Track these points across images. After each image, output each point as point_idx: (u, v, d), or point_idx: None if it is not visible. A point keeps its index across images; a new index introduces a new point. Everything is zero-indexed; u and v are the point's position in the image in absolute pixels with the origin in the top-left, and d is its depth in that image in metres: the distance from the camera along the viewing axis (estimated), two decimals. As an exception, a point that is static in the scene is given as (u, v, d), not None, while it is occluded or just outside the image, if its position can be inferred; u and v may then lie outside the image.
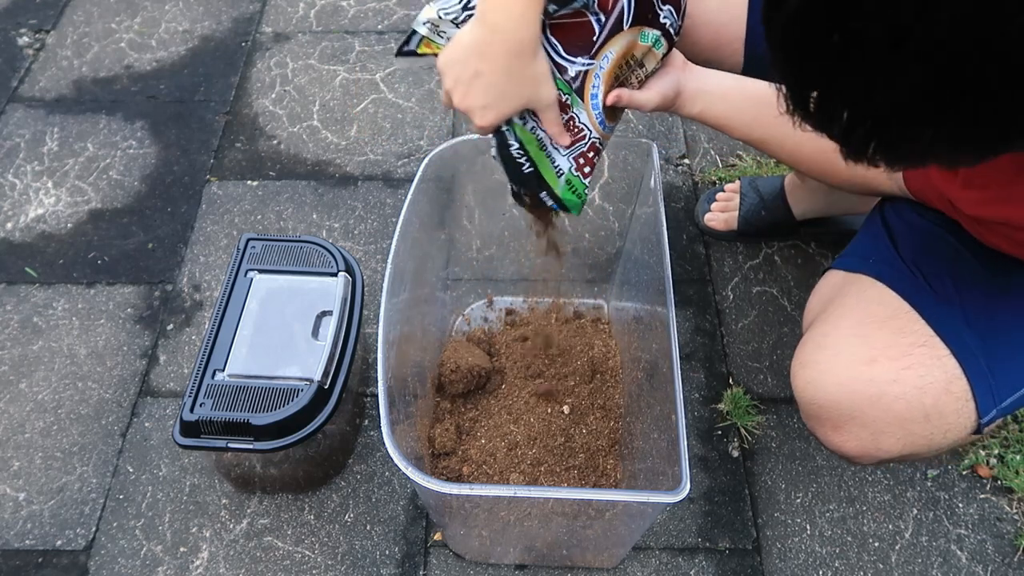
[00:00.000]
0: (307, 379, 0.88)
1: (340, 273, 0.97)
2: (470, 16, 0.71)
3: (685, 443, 0.72)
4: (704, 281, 1.23)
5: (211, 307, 1.20)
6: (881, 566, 0.97)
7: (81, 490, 1.03)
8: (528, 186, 0.79)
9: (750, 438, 1.07)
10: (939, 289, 0.75)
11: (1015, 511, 1.01)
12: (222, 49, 1.58)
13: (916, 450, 0.74)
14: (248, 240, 1.01)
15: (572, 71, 0.72)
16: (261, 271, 0.99)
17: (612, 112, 0.78)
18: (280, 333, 0.93)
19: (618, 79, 0.76)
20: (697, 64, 0.83)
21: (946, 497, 1.02)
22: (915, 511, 1.01)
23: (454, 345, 1.09)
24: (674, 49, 0.79)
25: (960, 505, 1.01)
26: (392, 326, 0.82)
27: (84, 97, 1.49)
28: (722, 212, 1.26)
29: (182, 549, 0.98)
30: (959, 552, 0.98)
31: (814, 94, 0.45)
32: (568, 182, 0.78)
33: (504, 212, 1.04)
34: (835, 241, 1.25)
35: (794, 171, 1.20)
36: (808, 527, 1.00)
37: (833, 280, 0.86)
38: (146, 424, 1.08)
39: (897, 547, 0.98)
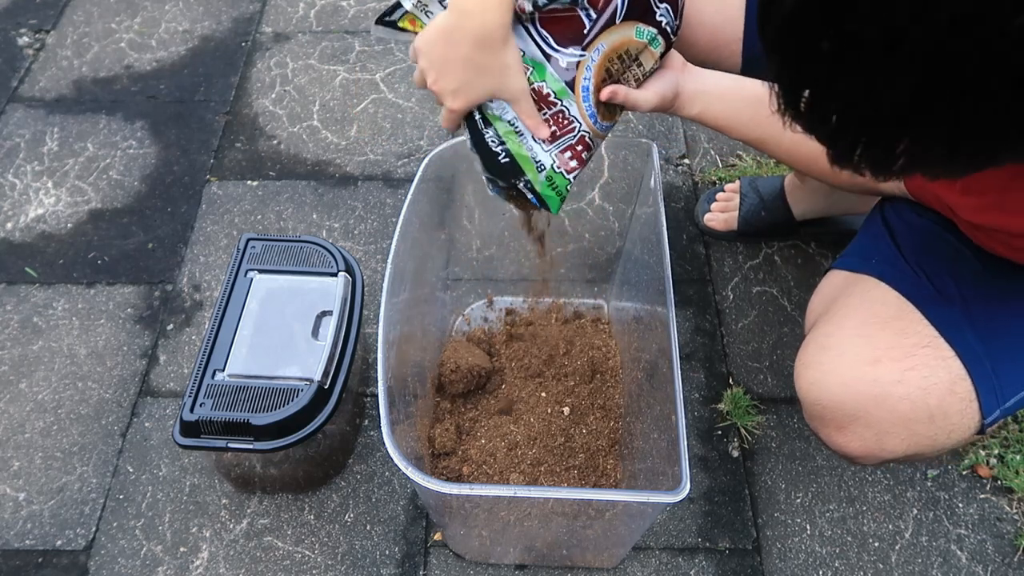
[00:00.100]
0: (307, 379, 0.88)
1: (340, 273, 0.97)
2: None
3: (685, 443, 0.72)
4: (704, 281, 1.23)
5: (211, 307, 1.20)
6: (881, 566, 0.97)
7: (81, 490, 1.03)
8: (504, 177, 0.77)
9: (750, 438, 1.07)
10: (942, 289, 0.75)
11: (1015, 511, 1.01)
12: (222, 49, 1.58)
13: (920, 451, 0.74)
14: (248, 240, 1.01)
15: (563, 62, 0.71)
16: (261, 271, 0.99)
17: (608, 110, 0.77)
18: (280, 333, 0.93)
19: (611, 74, 0.74)
20: (695, 65, 0.83)
21: (946, 497, 1.02)
22: (915, 511, 1.01)
23: (454, 345, 1.09)
24: (673, 50, 0.79)
25: (960, 505, 1.01)
26: (392, 326, 0.82)
27: (84, 97, 1.49)
28: (722, 212, 1.26)
29: (182, 549, 0.98)
30: (959, 552, 0.98)
31: (806, 94, 0.45)
32: (549, 178, 0.76)
33: (504, 212, 1.04)
34: (835, 241, 1.25)
35: (794, 171, 1.20)
36: (808, 527, 1.00)
37: (835, 280, 0.86)
38: (146, 424, 1.08)
39: (897, 547, 0.98)
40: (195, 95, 1.50)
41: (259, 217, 1.31)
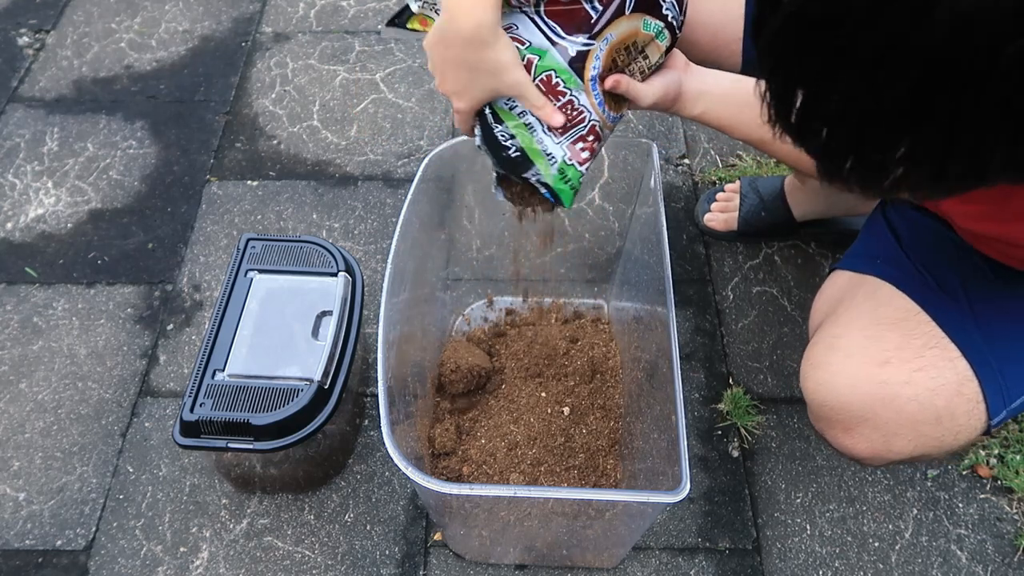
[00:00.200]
0: (307, 379, 0.88)
1: (340, 273, 0.97)
2: None
3: (685, 443, 0.72)
4: (704, 281, 1.23)
5: (211, 307, 1.20)
6: (881, 566, 0.97)
7: (81, 490, 1.03)
8: (515, 171, 0.76)
9: (750, 438, 1.07)
10: (948, 290, 0.75)
11: (1015, 511, 1.01)
12: (222, 49, 1.58)
13: (927, 452, 0.74)
14: (248, 240, 1.01)
15: (572, 50, 0.71)
16: (261, 271, 0.99)
17: (614, 100, 0.76)
18: (280, 333, 0.93)
19: (617, 64, 0.74)
20: (696, 64, 0.83)
21: (946, 497, 1.02)
22: (915, 511, 1.01)
23: (454, 345, 1.09)
24: (676, 50, 0.79)
25: (960, 505, 1.01)
26: (392, 326, 0.82)
27: (84, 97, 1.49)
28: (722, 212, 1.26)
29: (182, 549, 0.98)
30: (959, 552, 0.98)
31: (796, 108, 0.45)
32: (561, 171, 0.75)
33: (504, 212, 1.04)
34: (835, 241, 1.25)
35: (794, 172, 1.20)
36: (808, 527, 1.00)
37: (840, 281, 0.85)
38: (146, 424, 1.08)
39: (897, 547, 0.98)
40: (195, 95, 1.50)
41: (259, 217, 1.31)
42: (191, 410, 0.86)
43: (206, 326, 1.09)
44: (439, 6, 0.73)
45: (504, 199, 0.83)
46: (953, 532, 0.99)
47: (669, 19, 0.74)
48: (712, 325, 1.18)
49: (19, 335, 1.17)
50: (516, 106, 0.73)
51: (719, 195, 1.27)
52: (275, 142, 1.42)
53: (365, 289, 1.01)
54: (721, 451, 1.06)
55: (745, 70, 0.92)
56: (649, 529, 0.99)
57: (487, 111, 0.74)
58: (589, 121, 0.74)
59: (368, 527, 1.00)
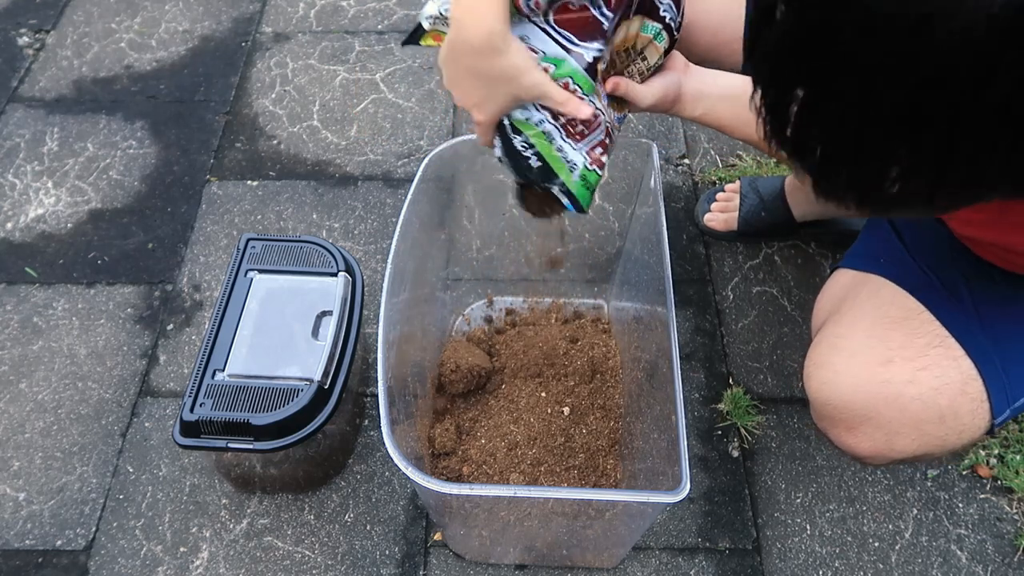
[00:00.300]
0: (307, 379, 0.88)
1: (340, 273, 0.97)
2: None
3: (685, 443, 0.72)
4: (704, 281, 1.23)
5: (211, 307, 1.20)
6: (881, 566, 0.97)
7: (81, 490, 1.03)
8: (537, 182, 0.76)
9: (750, 438, 1.07)
10: (951, 289, 0.75)
11: (1015, 511, 1.01)
12: (222, 49, 1.58)
13: (930, 451, 0.74)
14: (248, 240, 1.01)
15: (589, 56, 0.70)
16: (261, 271, 0.99)
17: (615, 102, 0.77)
18: (280, 333, 0.93)
19: (616, 66, 0.74)
20: (696, 64, 0.82)
21: (946, 497, 1.02)
22: (915, 511, 1.01)
23: (454, 345, 1.09)
24: (676, 52, 0.79)
25: (960, 505, 1.01)
26: (392, 326, 0.82)
27: (84, 97, 1.49)
28: (722, 212, 1.26)
29: (182, 549, 0.98)
30: (959, 552, 0.98)
31: (792, 119, 0.45)
32: (583, 177, 0.75)
33: (504, 212, 1.04)
34: (835, 241, 1.25)
35: (794, 172, 1.20)
36: (808, 527, 1.00)
37: (843, 280, 0.85)
38: (146, 424, 1.08)
39: (897, 547, 0.98)
40: (195, 95, 1.50)
41: (259, 217, 1.31)
42: (191, 410, 0.86)
43: (206, 326, 1.09)
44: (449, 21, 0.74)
45: (524, 210, 0.83)
46: (953, 532, 0.99)
47: (667, 21, 0.74)
48: (712, 325, 1.18)
49: (19, 335, 1.17)
50: (532, 116, 0.73)
51: (719, 195, 1.27)
52: (275, 142, 1.42)
53: (365, 289, 1.01)
54: (721, 451, 1.06)
55: (745, 69, 0.92)
56: (649, 529, 0.99)
57: (505, 122, 0.74)
58: (604, 124, 0.75)
59: (368, 527, 1.00)
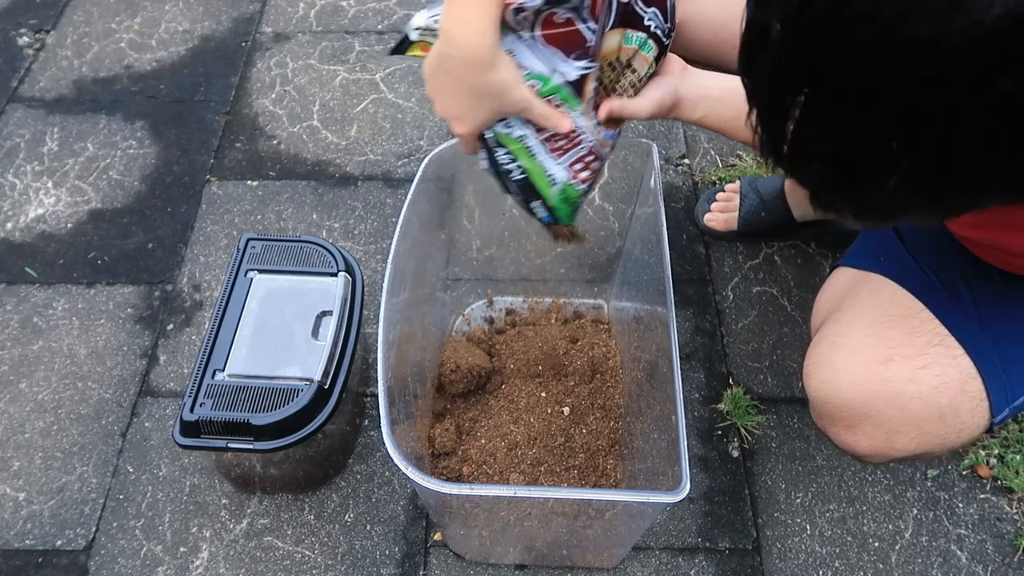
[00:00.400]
0: (307, 379, 0.88)
1: (340, 273, 0.97)
2: None
3: (685, 443, 0.72)
4: (704, 281, 1.23)
5: (211, 307, 1.20)
6: (881, 566, 0.97)
7: (81, 490, 1.03)
8: (518, 195, 0.78)
9: (750, 438, 1.07)
10: (951, 290, 0.76)
11: (1015, 511, 1.01)
12: (222, 49, 1.58)
13: (929, 449, 0.74)
14: (248, 240, 1.01)
15: (574, 75, 0.71)
16: (261, 271, 0.99)
17: (612, 120, 0.77)
18: (280, 333, 0.93)
19: (603, 83, 0.74)
20: (696, 63, 0.82)
21: (946, 497, 1.02)
22: (915, 511, 1.01)
23: (454, 345, 1.09)
24: (673, 55, 0.78)
25: (960, 505, 1.01)
26: (392, 326, 0.82)
27: (84, 97, 1.49)
28: (722, 212, 1.26)
29: (182, 549, 0.98)
30: (959, 552, 0.98)
31: (788, 137, 0.45)
32: (563, 192, 0.77)
33: (504, 212, 1.04)
34: (835, 241, 1.25)
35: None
36: (808, 527, 1.00)
37: (843, 278, 0.85)
38: (146, 424, 1.08)
39: (897, 547, 0.98)
40: (195, 95, 1.50)
41: (259, 217, 1.31)
42: (191, 410, 0.86)
43: (206, 326, 1.09)
44: (439, 34, 0.74)
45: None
46: (953, 532, 0.99)
47: (652, 29, 0.73)
48: (712, 325, 1.18)
49: (19, 335, 1.17)
50: (515, 130, 0.74)
51: (719, 195, 1.27)
52: (275, 142, 1.42)
53: (365, 289, 1.01)
54: (721, 451, 1.06)
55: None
56: (649, 529, 0.99)
57: (489, 135, 0.75)
58: (587, 143, 0.76)
59: (368, 527, 1.00)
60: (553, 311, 1.17)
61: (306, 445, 0.89)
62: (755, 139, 0.47)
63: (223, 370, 0.90)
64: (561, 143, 0.75)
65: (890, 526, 1.00)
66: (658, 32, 0.73)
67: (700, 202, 1.29)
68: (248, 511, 1.01)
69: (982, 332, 0.72)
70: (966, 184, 0.42)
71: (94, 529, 0.99)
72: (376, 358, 0.79)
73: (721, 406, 1.10)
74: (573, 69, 0.71)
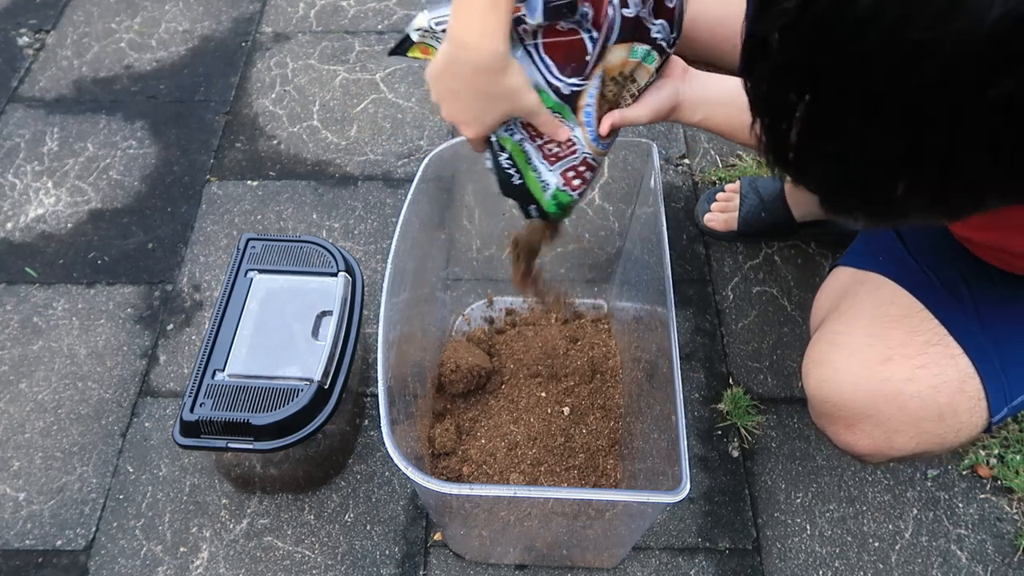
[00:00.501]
0: (307, 379, 0.88)
1: (340, 273, 0.97)
2: None
3: (685, 443, 0.72)
4: (704, 281, 1.23)
5: (211, 307, 1.20)
6: (881, 566, 0.97)
7: (81, 490, 1.03)
8: (517, 198, 0.79)
9: (750, 438, 1.07)
10: (951, 289, 0.76)
11: (1015, 511, 1.01)
12: (222, 49, 1.58)
13: (928, 449, 0.74)
14: (248, 240, 1.01)
15: (565, 90, 0.71)
16: (261, 271, 0.99)
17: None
18: (280, 333, 0.93)
19: (607, 98, 0.75)
20: (696, 62, 0.82)
21: (946, 497, 1.02)
22: (915, 511, 1.01)
23: (454, 345, 1.09)
24: (674, 56, 0.78)
25: (960, 505, 1.01)
26: (392, 326, 0.82)
27: (84, 97, 1.49)
28: (722, 212, 1.26)
29: (182, 549, 0.98)
30: (959, 552, 0.98)
31: (793, 144, 0.45)
32: (555, 197, 0.78)
33: (504, 212, 1.04)
34: (835, 241, 1.25)
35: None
36: (808, 527, 1.00)
37: (842, 277, 0.85)
38: (146, 424, 1.08)
39: (897, 547, 0.98)
40: (195, 95, 1.50)
41: (259, 217, 1.31)
42: (191, 410, 0.86)
43: (206, 326, 1.09)
44: (440, 35, 0.74)
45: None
46: (953, 532, 0.99)
47: (658, 41, 0.72)
48: (712, 325, 1.18)
49: (19, 335, 1.17)
50: (515, 133, 0.75)
51: (719, 195, 1.27)
52: (275, 142, 1.42)
53: (365, 289, 1.01)
54: (721, 451, 1.06)
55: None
56: (649, 529, 0.99)
57: (493, 139, 0.76)
58: (581, 153, 0.76)
59: (368, 527, 1.00)
60: (553, 311, 1.17)
61: (306, 445, 0.89)
62: (760, 146, 0.47)
63: (223, 370, 0.90)
64: (556, 151, 0.76)
65: (890, 526, 1.00)
66: (663, 43, 0.73)
67: (700, 202, 1.29)
68: (248, 511, 1.01)
69: (981, 332, 0.73)
70: (970, 185, 0.42)
71: (94, 529, 0.99)
72: (376, 358, 0.79)
73: (721, 406, 1.10)
74: (565, 85, 0.71)
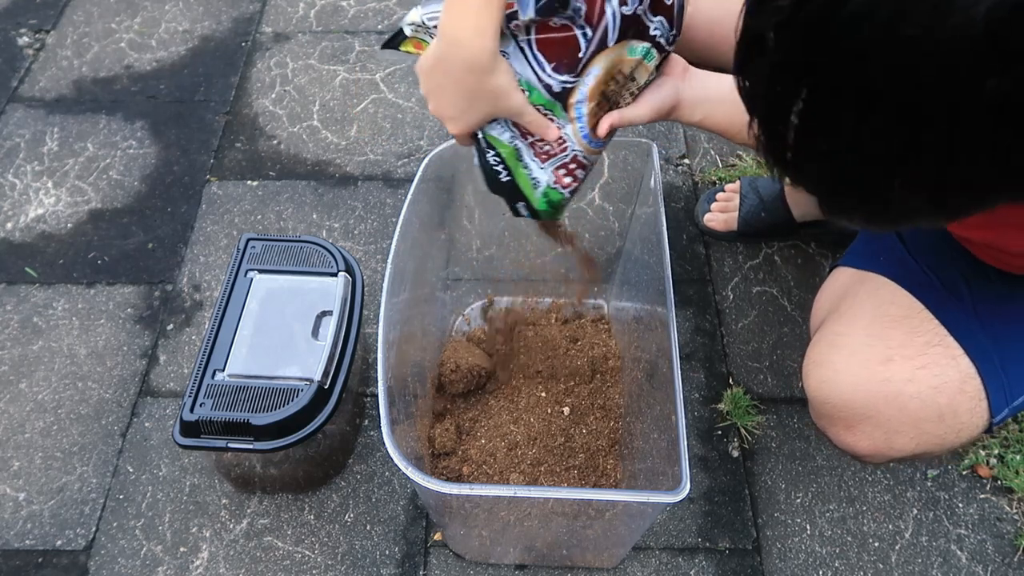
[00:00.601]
0: (307, 379, 0.88)
1: (340, 273, 0.97)
2: None
3: (685, 443, 0.72)
4: (704, 281, 1.23)
5: (211, 307, 1.20)
6: (881, 566, 0.97)
7: (81, 490, 1.03)
8: (505, 195, 0.79)
9: (750, 438, 1.07)
10: (951, 289, 0.76)
11: (1015, 511, 1.01)
12: (222, 49, 1.58)
13: (928, 449, 0.74)
14: (248, 240, 1.01)
15: (556, 87, 0.71)
16: (261, 271, 0.99)
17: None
18: (280, 333, 0.93)
19: (607, 97, 0.74)
20: (695, 61, 0.82)
21: (946, 497, 1.02)
22: (915, 511, 1.01)
23: (454, 345, 1.09)
24: (674, 56, 0.78)
25: (960, 505, 1.01)
26: (392, 326, 0.82)
27: (84, 97, 1.49)
28: (722, 212, 1.26)
29: (182, 549, 0.98)
30: (959, 552, 0.98)
31: (790, 143, 0.45)
32: (546, 195, 0.78)
33: (504, 212, 1.04)
34: (835, 241, 1.25)
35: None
36: (808, 527, 1.00)
37: (842, 278, 0.85)
38: (146, 424, 1.08)
39: (897, 547, 0.98)
40: (195, 95, 1.50)
41: (259, 217, 1.31)
42: (191, 410, 0.86)
43: (206, 326, 1.09)
44: (432, 31, 0.74)
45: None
46: (953, 532, 0.99)
47: (657, 39, 0.72)
48: (712, 325, 1.18)
49: (19, 335, 1.17)
50: (504, 133, 0.75)
51: (719, 195, 1.27)
52: (275, 142, 1.42)
53: (365, 289, 1.01)
54: (721, 451, 1.06)
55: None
56: (649, 529, 0.99)
57: (480, 136, 0.75)
58: (571, 151, 0.76)
59: (368, 527, 1.00)
60: (553, 311, 1.17)
61: (306, 445, 0.89)
62: (758, 147, 0.47)
63: (223, 370, 0.90)
64: (546, 148, 0.75)
65: (890, 526, 1.00)
66: (662, 41, 0.72)
67: (700, 202, 1.29)
68: (248, 511, 1.01)
69: (982, 331, 0.72)
70: (967, 184, 0.42)
71: (94, 529, 0.99)
72: (376, 358, 0.79)
73: (721, 406, 1.10)
74: (557, 82, 0.71)
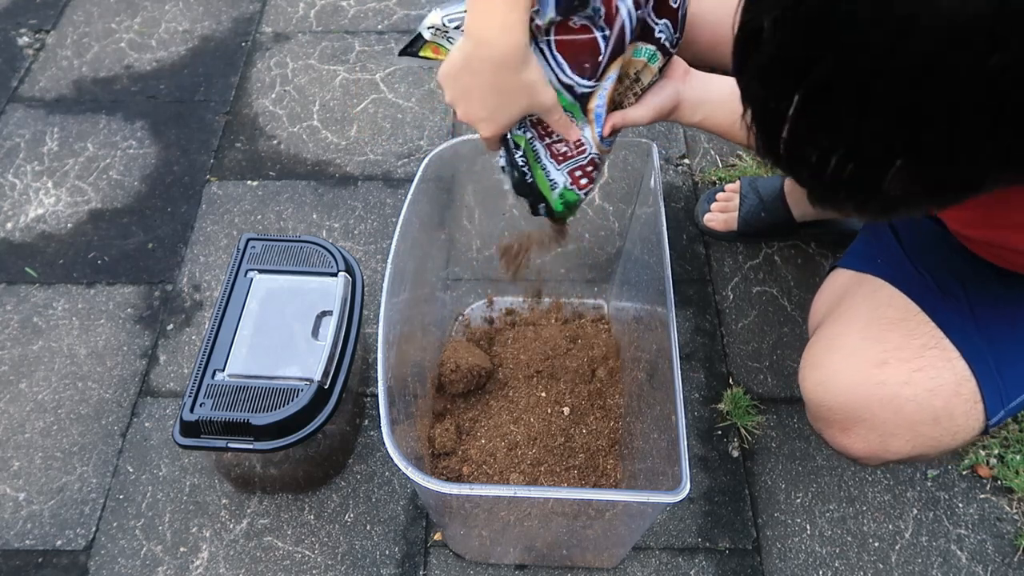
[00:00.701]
0: (307, 379, 0.88)
1: (340, 273, 0.97)
2: None
3: (685, 443, 0.72)
4: (704, 281, 1.23)
5: (211, 307, 1.20)
6: (881, 566, 0.97)
7: (81, 490, 1.03)
8: (529, 197, 0.80)
9: (750, 438, 1.07)
10: (948, 291, 0.75)
11: (1015, 511, 1.01)
12: (222, 49, 1.58)
13: (924, 452, 0.74)
14: (248, 240, 1.01)
15: (579, 90, 0.71)
16: (261, 271, 0.99)
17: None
18: (280, 333, 0.93)
19: (614, 100, 0.75)
20: (696, 63, 0.82)
21: (946, 497, 1.02)
22: (915, 511, 1.01)
23: (454, 345, 1.09)
24: (675, 58, 0.78)
25: (960, 505, 1.01)
26: (392, 326, 0.82)
27: (84, 97, 1.49)
28: (722, 212, 1.26)
29: (182, 549, 0.98)
30: (959, 552, 0.98)
31: (784, 136, 0.45)
32: (562, 196, 0.79)
33: (504, 212, 1.04)
34: (835, 241, 1.25)
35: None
36: (808, 527, 1.00)
37: (840, 280, 0.85)
38: (146, 424, 1.08)
39: (897, 547, 0.98)
40: (195, 95, 1.50)
41: (259, 217, 1.31)
42: (191, 410, 0.86)
43: (206, 326, 1.09)
44: (453, 34, 0.73)
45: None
46: (953, 532, 0.99)
47: (662, 41, 0.73)
48: (712, 325, 1.18)
49: (19, 335, 1.17)
50: (526, 131, 0.75)
51: (719, 195, 1.27)
52: (275, 142, 1.42)
53: (365, 289, 1.01)
54: (721, 451, 1.06)
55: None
56: (649, 529, 0.99)
57: (508, 136, 0.76)
58: (590, 153, 0.77)
59: (368, 527, 1.00)
60: (553, 311, 1.17)
61: (306, 445, 0.89)
62: (750, 137, 0.48)
63: (223, 370, 0.90)
64: (564, 150, 0.76)
65: (890, 526, 1.00)
66: (667, 44, 0.73)
67: (700, 202, 1.29)
68: (248, 511, 1.01)
69: (978, 334, 0.72)
70: (964, 178, 0.42)
71: (94, 529, 0.99)
72: (376, 358, 0.79)
73: (721, 406, 1.10)
74: (579, 85, 0.71)
